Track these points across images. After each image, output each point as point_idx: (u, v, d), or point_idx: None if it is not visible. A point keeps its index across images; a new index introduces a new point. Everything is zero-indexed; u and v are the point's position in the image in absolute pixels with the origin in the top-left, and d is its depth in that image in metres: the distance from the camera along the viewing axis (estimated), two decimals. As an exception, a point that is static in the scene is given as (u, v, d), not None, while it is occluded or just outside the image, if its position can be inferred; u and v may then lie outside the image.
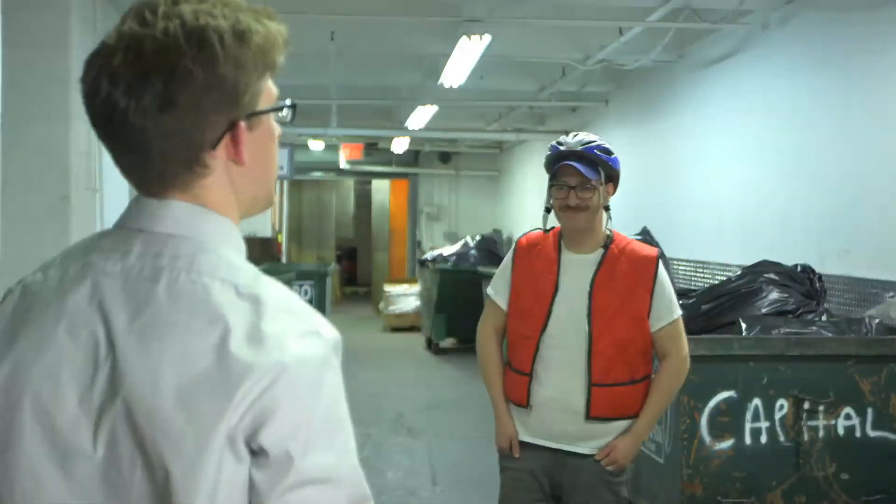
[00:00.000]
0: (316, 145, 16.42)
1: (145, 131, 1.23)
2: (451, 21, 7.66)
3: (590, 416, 3.40)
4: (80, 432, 1.20)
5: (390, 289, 16.27)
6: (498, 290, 3.61)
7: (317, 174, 20.52)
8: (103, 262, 1.26)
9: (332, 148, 17.44)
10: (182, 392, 1.16)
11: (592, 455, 3.44)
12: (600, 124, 11.81)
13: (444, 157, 18.67)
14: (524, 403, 3.47)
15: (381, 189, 21.65)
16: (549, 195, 3.51)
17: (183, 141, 1.24)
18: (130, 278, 1.23)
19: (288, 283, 10.43)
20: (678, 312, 3.51)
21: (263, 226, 16.31)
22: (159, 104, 1.22)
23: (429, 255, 14.58)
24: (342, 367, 1.26)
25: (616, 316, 3.39)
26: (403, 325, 15.81)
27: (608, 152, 3.46)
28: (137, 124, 1.23)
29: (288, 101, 1.36)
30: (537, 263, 3.51)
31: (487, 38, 7.72)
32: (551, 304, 3.43)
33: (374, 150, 18.33)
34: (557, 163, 3.44)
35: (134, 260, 1.24)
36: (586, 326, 3.39)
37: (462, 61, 8.73)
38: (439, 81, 9.82)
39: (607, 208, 3.49)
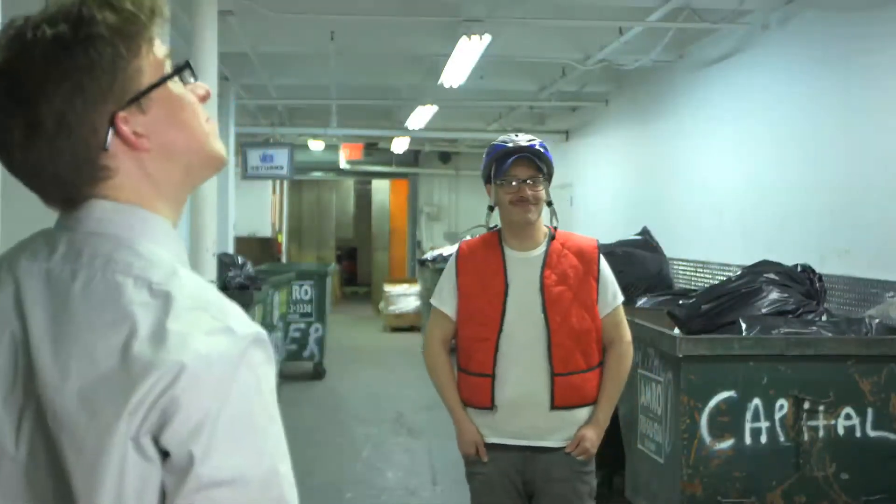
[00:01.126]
0: (316, 145, 16.43)
1: (28, 162, 1.22)
2: (451, 21, 7.66)
3: (554, 405, 3.47)
4: (3, 433, 1.19)
5: (390, 289, 16.27)
6: (443, 300, 3.63)
7: (317, 174, 20.52)
8: (29, 262, 1.25)
9: (332, 148, 17.44)
10: (85, 393, 1.14)
11: (561, 448, 3.51)
12: (600, 124, 11.81)
13: (444, 157, 18.67)
14: (488, 405, 3.50)
15: (381, 189, 21.66)
16: (499, 193, 3.56)
17: (71, 157, 1.21)
18: (52, 279, 1.22)
19: (288, 282, 10.42)
20: (621, 299, 3.63)
21: (263, 226, 16.32)
22: (29, 133, 1.19)
23: (429, 255, 14.58)
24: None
25: (570, 307, 3.48)
26: (403, 325, 15.81)
27: (546, 150, 3.58)
28: (21, 158, 1.22)
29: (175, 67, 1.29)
30: (482, 266, 3.56)
31: (487, 38, 7.73)
32: (504, 303, 3.49)
33: (374, 150, 18.34)
34: (507, 158, 3.51)
35: (57, 260, 1.23)
36: (543, 320, 3.46)
37: (462, 61, 8.73)
38: (439, 81, 9.83)
39: (550, 203, 3.61)
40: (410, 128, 13.93)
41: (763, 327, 4.70)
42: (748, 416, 4.47)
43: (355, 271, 24.19)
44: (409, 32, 8.68)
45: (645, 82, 9.88)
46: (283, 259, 17.43)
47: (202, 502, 1.13)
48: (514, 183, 3.49)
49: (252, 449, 1.16)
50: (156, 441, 1.13)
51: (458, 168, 18.82)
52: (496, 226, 3.68)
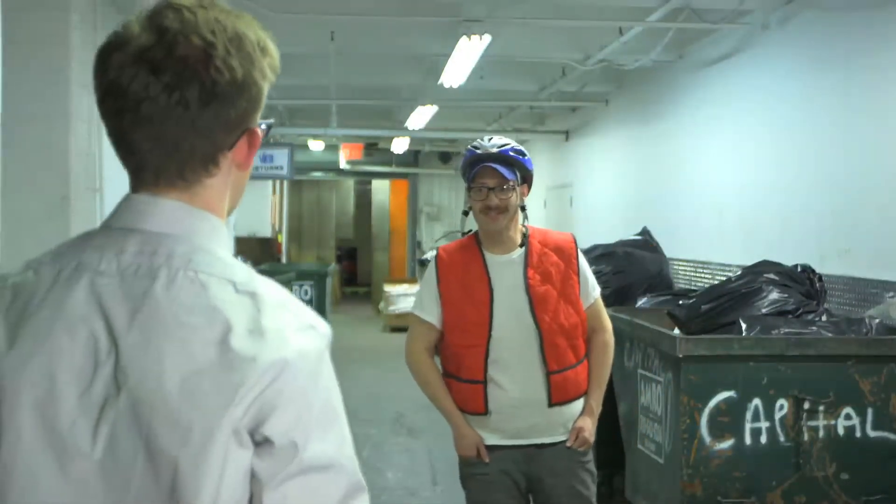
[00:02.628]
0: (316, 145, 16.42)
1: (181, 123, 1.26)
2: (451, 21, 7.66)
3: (552, 402, 3.51)
4: (78, 431, 1.21)
5: (390, 289, 16.26)
6: (425, 308, 3.62)
7: (317, 174, 20.53)
8: (97, 261, 1.27)
9: (332, 148, 17.44)
10: (186, 384, 1.19)
11: (561, 441, 3.54)
12: (600, 124, 11.81)
13: (444, 157, 18.67)
14: (482, 410, 3.51)
15: (381, 189, 21.66)
16: (467, 198, 3.61)
17: (211, 138, 1.29)
18: (127, 276, 1.25)
19: (288, 283, 10.43)
20: (598, 289, 3.69)
21: (263, 226, 16.32)
22: (203, 99, 1.26)
23: (429, 255, 14.57)
24: (342, 366, 1.29)
25: (557, 304, 3.51)
26: (403, 325, 15.74)
27: (522, 153, 3.58)
28: (175, 115, 1.26)
29: (269, 121, 1.43)
30: (464, 272, 3.56)
31: (487, 38, 7.72)
32: (491, 308, 3.49)
33: (374, 150, 18.33)
34: (475, 166, 3.52)
35: (129, 259, 1.26)
36: (532, 321, 3.48)
37: (462, 61, 8.73)
38: (439, 81, 9.83)
39: (524, 208, 3.60)
40: (410, 128, 13.92)
41: (763, 327, 4.70)
42: (748, 416, 4.47)
43: (355, 271, 24.18)
44: (409, 32, 8.68)
45: (645, 82, 9.87)
46: (283, 259, 17.43)
47: (297, 487, 1.21)
48: (481, 191, 3.51)
49: (338, 436, 1.26)
50: (251, 431, 1.20)
51: (457, 168, 18.77)
52: (471, 230, 3.69)
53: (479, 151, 3.53)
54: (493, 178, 3.49)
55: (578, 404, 3.58)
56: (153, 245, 1.27)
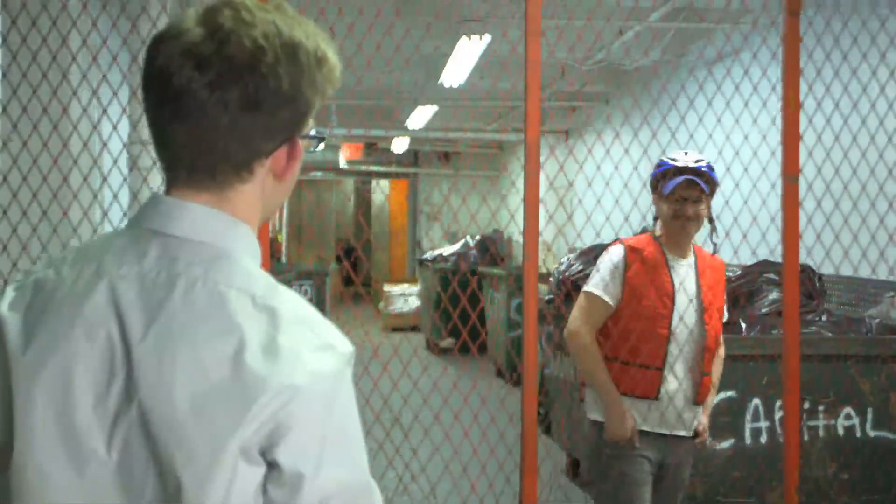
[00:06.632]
0: (316, 145, 16.40)
1: (218, 124, 1.23)
2: (451, 21, 7.67)
3: (696, 401, 3.74)
4: (93, 436, 1.20)
5: (390, 289, 16.26)
6: (608, 290, 3.75)
7: (317, 174, 20.52)
8: (118, 264, 1.24)
9: (332, 148, 17.44)
10: (196, 401, 1.16)
11: (689, 436, 3.77)
12: (600, 124, 11.81)
13: (445, 157, 18.66)
14: (654, 395, 3.68)
15: (380, 189, 21.65)
16: (661, 206, 3.81)
17: (247, 143, 1.26)
18: (146, 283, 1.22)
19: (288, 283, 10.43)
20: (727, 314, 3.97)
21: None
22: (243, 103, 1.23)
23: (429, 255, 14.57)
24: None
25: (714, 313, 3.76)
26: (403, 325, 15.79)
27: (712, 168, 3.80)
28: (213, 115, 1.23)
29: (317, 133, 1.37)
30: (650, 265, 3.75)
31: (487, 37, 7.73)
32: (673, 303, 3.69)
33: (374, 149, 18.33)
34: (674, 177, 3.73)
35: (150, 264, 1.23)
36: (700, 323, 3.71)
37: (462, 61, 8.73)
38: (439, 81, 9.83)
39: (711, 220, 3.85)
40: (410, 128, 13.93)
41: (763, 327, 4.70)
42: (748, 416, 4.47)
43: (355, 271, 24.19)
44: (409, 32, 8.68)
45: (645, 82, 9.88)
46: (283, 259, 17.43)
47: None
48: (678, 201, 3.71)
49: (353, 461, 1.23)
50: (262, 452, 1.16)
51: (458, 168, 18.81)
52: (653, 230, 3.90)
53: (678, 164, 3.74)
54: (692, 191, 3.69)
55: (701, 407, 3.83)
56: (174, 251, 1.23)
